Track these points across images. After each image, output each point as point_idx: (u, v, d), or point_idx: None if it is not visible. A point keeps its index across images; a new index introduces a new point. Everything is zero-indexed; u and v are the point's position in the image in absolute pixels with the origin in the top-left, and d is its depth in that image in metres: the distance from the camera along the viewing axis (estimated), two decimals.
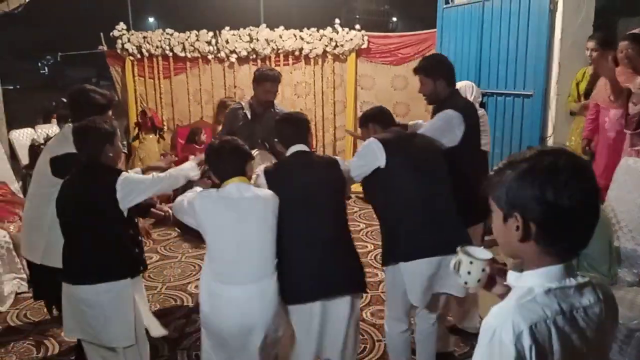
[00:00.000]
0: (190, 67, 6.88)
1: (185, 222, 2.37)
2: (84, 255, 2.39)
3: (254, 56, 6.83)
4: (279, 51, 6.80)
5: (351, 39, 6.73)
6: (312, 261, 2.32)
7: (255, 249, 2.24)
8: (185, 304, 3.83)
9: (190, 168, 2.63)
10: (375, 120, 2.70)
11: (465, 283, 1.30)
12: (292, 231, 2.32)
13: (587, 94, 4.17)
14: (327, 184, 2.42)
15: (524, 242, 1.09)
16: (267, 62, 6.85)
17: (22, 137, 5.25)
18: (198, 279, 4.14)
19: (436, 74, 2.90)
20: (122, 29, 6.67)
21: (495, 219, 1.15)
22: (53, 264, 2.63)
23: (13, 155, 5.10)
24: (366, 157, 2.49)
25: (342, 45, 6.75)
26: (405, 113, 6.81)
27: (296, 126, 2.50)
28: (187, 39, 6.70)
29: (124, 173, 2.42)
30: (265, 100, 3.80)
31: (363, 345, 3.10)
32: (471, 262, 1.28)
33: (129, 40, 6.64)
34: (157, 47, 6.70)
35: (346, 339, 2.43)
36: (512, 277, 1.16)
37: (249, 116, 3.81)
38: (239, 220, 2.21)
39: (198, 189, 2.46)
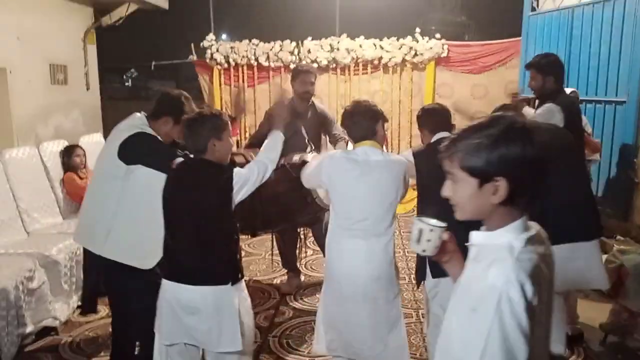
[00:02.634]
0: (273, 75, 7.16)
1: (312, 184, 2.69)
2: (196, 255, 2.25)
3: (334, 65, 7.01)
4: (359, 60, 6.95)
5: (431, 48, 6.78)
6: None
7: (367, 209, 2.40)
8: (272, 297, 3.99)
9: (280, 137, 2.54)
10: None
11: (424, 251, 1.35)
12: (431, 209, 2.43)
13: None
14: None
15: (501, 204, 1.12)
16: (346, 71, 7.03)
17: None
18: (283, 275, 4.32)
19: (546, 70, 3.10)
20: (212, 39, 7.07)
21: (462, 187, 1.16)
22: (112, 256, 2.53)
23: None
24: None
25: (421, 54, 6.80)
26: None
27: (442, 115, 2.67)
28: (271, 49, 6.99)
29: (234, 169, 2.32)
30: (304, 92, 3.82)
31: None
32: (431, 230, 1.33)
33: (217, 50, 7.02)
34: (243, 56, 7.04)
35: None
36: (479, 236, 1.18)
37: (290, 115, 3.82)
38: (357, 180, 2.39)
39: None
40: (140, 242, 2.54)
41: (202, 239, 2.26)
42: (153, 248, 2.51)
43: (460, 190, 1.17)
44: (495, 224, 1.16)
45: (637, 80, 4.42)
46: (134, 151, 2.48)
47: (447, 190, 1.21)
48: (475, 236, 1.20)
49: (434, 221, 1.37)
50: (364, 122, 2.43)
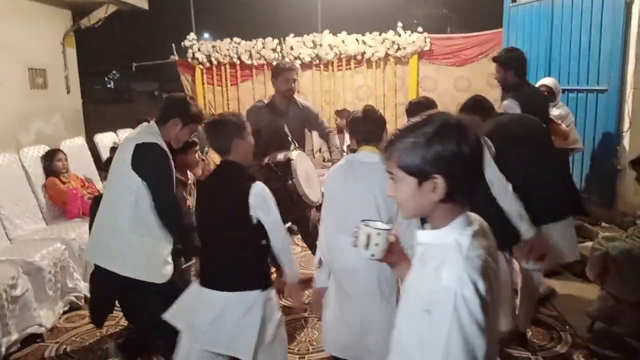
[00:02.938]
0: (256, 74, 7.13)
1: None
2: (220, 261, 2.32)
3: (317, 61, 6.99)
4: (342, 56, 6.94)
5: (413, 42, 6.79)
6: None
7: (358, 207, 2.38)
8: None
9: (295, 274, 2.56)
10: (475, 112, 2.80)
11: (372, 255, 1.32)
12: None
13: None
14: None
15: (442, 202, 1.13)
16: (330, 67, 7.02)
17: (106, 140, 5.61)
18: (271, 272, 4.29)
19: (507, 65, 3.28)
20: (193, 39, 7.02)
21: (403, 187, 1.16)
22: (129, 273, 2.52)
23: (99, 159, 5.44)
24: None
25: (404, 48, 6.81)
26: None
27: (429, 108, 2.64)
28: (253, 47, 6.96)
29: (258, 182, 2.32)
30: (286, 90, 3.77)
31: None
32: (378, 234, 1.31)
33: (199, 50, 6.97)
34: (225, 55, 6.99)
35: None
36: (425, 235, 1.19)
37: (272, 113, 3.79)
38: (356, 181, 2.42)
39: None
40: (155, 256, 2.57)
41: (225, 244, 2.31)
42: (165, 260, 2.59)
43: (401, 189, 1.17)
44: (439, 221, 1.17)
45: (617, 68, 4.46)
46: (140, 164, 2.49)
47: (389, 190, 1.21)
48: (421, 235, 1.20)
49: (379, 224, 1.36)
50: (374, 126, 2.49)
